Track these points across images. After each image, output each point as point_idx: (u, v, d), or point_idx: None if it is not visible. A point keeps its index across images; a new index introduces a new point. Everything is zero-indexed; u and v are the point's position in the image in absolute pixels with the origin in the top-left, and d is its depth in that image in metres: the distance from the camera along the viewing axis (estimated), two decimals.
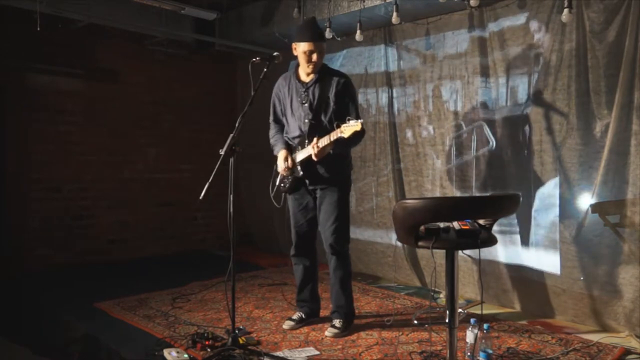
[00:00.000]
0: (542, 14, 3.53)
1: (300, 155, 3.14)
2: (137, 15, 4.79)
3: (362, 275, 4.67)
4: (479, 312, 3.33)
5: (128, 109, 5.38)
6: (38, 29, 3.79)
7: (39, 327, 3.39)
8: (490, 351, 2.66)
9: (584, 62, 3.34)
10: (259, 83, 2.86)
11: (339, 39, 4.59)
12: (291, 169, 3.18)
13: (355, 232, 4.69)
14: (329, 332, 3.13)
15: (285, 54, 3.20)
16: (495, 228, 2.43)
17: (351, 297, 3.28)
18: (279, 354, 2.82)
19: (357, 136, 2.88)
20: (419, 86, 4.33)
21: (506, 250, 3.81)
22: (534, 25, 3.60)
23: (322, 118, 3.12)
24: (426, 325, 3.24)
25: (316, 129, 3.07)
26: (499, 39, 3.78)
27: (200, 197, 2.65)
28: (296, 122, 3.19)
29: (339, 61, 4.90)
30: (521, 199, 2.45)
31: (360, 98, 4.68)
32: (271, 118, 3.37)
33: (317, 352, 2.87)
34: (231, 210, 2.78)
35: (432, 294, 4.03)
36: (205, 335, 2.95)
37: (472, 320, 2.70)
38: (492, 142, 3.89)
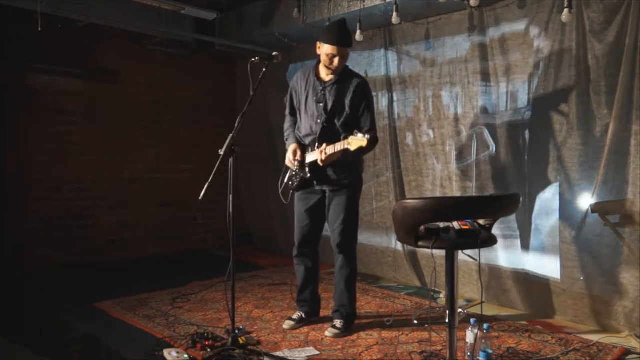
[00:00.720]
0: (542, 14, 3.53)
1: (309, 157, 3.12)
2: (137, 15, 4.79)
3: (362, 275, 4.66)
4: (479, 312, 3.33)
5: (128, 109, 5.38)
6: (39, 29, 3.79)
7: (39, 327, 3.39)
8: (490, 351, 2.66)
9: (584, 62, 3.33)
10: (258, 83, 2.86)
11: None
12: (300, 167, 3.16)
13: None
14: (329, 332, 3.13)
15: (285, 54, 3.20)
16: (495, 228, 2.43)
17: (354, 297, 3.27)
18: (279, 354, 2.82)
19: (367, 147, 2.83)
20: (419, 90, 4.32)
21: (506, 251, 3.81)
22: (534, 26, 3.59)
23: (336, 121, 3.08)
24: (426, 325, 3.24)
25: (327, 132, 3.04)
26: (499, 40, 3.78)
27: (200, 197, 2.65)
28: (309, 120, 3.16)
29: None
30: (521, 199, 2.45)
31: None
32: (287, 110, 3.35)
33: (317, 352, 2.87)
34: (231, 210, 2.78)
35: (432, 294, 4.03)
36: (205, 335, 2.95)
37: (472, 320, 2.69)
38: (492, 147, 3.88)
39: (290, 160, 3.18)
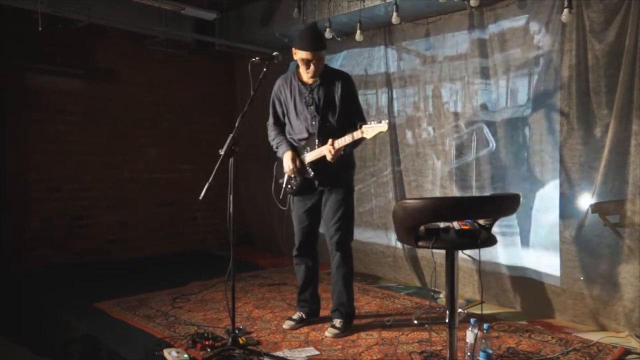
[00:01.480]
0: (542, 14, 3.53)
1: (309, 157, 3.12)
2: (137, 15, 4.79)
3: (362, 275, 4.67)
4: (479, 312, 3.33)
5: (128, 109, 5.38)
6: (40, 29, 3.79)
7: (39, 327, 3.39)
8: (490, 351, 2.66)
9: (584, 62, 3.33)
10: (259, 83, 2.86)
11: (339, 39, 4.58)
12: (299, 170, 3.15)
13: (355, 233, 4.65)
14: (329, 332, 3.13)
15: (285, 54, 3.20)
16: (495, 228, 2.43)
17: (352, 295, 3.29)
18: (279, 354, 2.82)
19: (358, 142, 2.97)
20: (418, 87, 4.32)
21: (506, 251, 3.81)
22: (534, 25, 3.59)
23: (330, 119, 3.12)
24: (426, 325, 3.24)
25: (324, 131, 3.07)
26: (499, 40, 3.78)
27: (200, 198, 2.65)
28: (302, 123, 3.17)
29: (338, 61, 4.90)
30: (521, 199, 2.45)
31: (360, 99, 4.62)
32: (271, 120, 3.32)
33: (317, 352, 2.87)
34: (231, 210, 2.78)
35: (432, 294, 4.03)
36: (205, 335, 2.95)
37: (472, 320, 2.69)
38: (492, 144, 3.89)
39: (290, 168, 3.15)
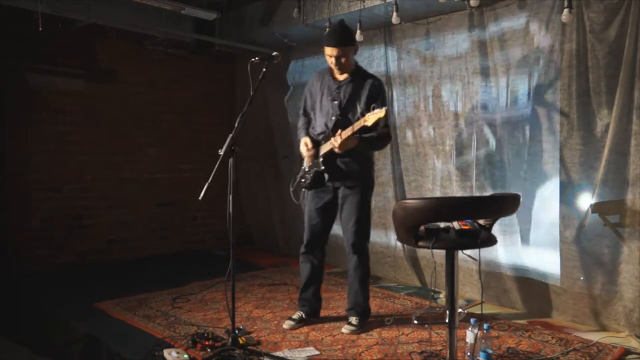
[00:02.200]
0: (542, 14, 3.53)
1: (323, 148, 3.18)
2: (137, 15, 4.79)
3: None
4: (479, 312, 3.33)
5: (128, 109, 5.37)
6: (40, 29, 3.79)
7: (39, 327, 3.39)
8: (490, 351, 2.66)
9: (584, 62, 3.33)
10: (258, 83, 2.86)
11: None
12: (311, 158, 3.23)
13: None
14: (345, 329, 3.18)
15: (285, 54, 3.21)
16: (495, 228, 2.43)
17: (368, 295, 3.33)
18: (279, 354, 2.82)
19: (383, 138, 3.09)
20: (418, 87, 4.32)
21: (506, 250, 3.81)
22: (534, 25, 3.59)
23: (350, 117, 3.14)
24: (426, 325, 3.25)
25: (341, 126, 3.09)
26: (499, 40, 3.78)
27: (200, 198, 2.65)
28: (323, 118, 3.24)
29: None
30: (521, 199, 2.45)
31: None
32: (300, 111, 3.45)
33: (317, 352, 2.87)
34: (231, 210, 2.78)
35: (432, 294, 4.03)
36: (205, 335, 2.95)
37: (472, 320, 2.69)
38: (492, 144, 3.89)
39: (302, 151, 3.26)
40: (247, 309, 3.67)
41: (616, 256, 3.23)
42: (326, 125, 3.20)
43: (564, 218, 3.47)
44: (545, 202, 3.61)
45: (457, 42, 4.03)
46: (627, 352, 2.89)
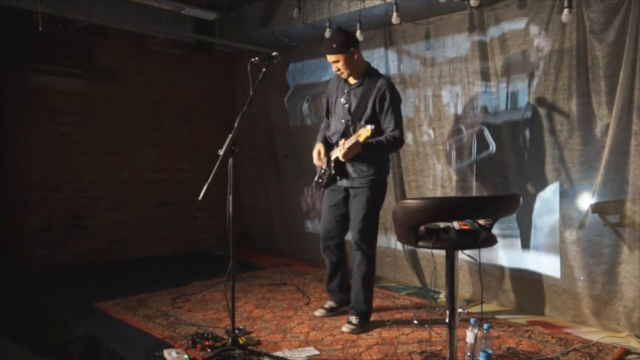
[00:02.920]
0: (542, 14, 3.53)
1: (334, 153, 3.27)
2: (137, 15, 4.78)
3: None
4: (479, 312, 3.33)
5: (128, 109, 5.37)
6: (40, 29, 3.79)
7: (39, 327, 3.39)
8: (490, 351, 2.66)
9: (584, 62, 3.33)
10: (258, 83, 2.86)
11: None
12: (327, 164, 3.33)
13: None
14: (345, 327, 3.20)
15: (284, 54, 3.21)
16: (495, 229, 2.43)
17: (370, 296, 3.33)
18: (279, 354, 2.82)
19: (391, 144, 3.12)
20: (419, 90, 4.32)
21: (506, 251, 3.81)
22: (533, 26, 3.59)
23: (359, 120, 3.19)
24: (426, 325, 3.25)
25: (349, 131, 3.18)
26: (499, 41, 3.77)
27: (200, 198, 2.65)
28: (336, 120, 3.33)
29: None
30: (521, 199, 2.45)
31: None
32: (323, 112, 3.59)
33: (317, 352, 2.87)
34: (231, 210, 2.78)
35: (432, 294, 4.03)
36: (205, 335, 2.95)
37: (472, 320, 2.70)
38: (493, 146, 3.88)
39: (315, 160, 3.38)
40: (247, 309, 3.67)
41: (616, 256, 3.23)
42: (337, 127, 3.31)
43: (564, 218, 3.47)
44: (545, 202, 3.60)
45: (457, 42, 4.03)
46: (627, 352, 2.89)
